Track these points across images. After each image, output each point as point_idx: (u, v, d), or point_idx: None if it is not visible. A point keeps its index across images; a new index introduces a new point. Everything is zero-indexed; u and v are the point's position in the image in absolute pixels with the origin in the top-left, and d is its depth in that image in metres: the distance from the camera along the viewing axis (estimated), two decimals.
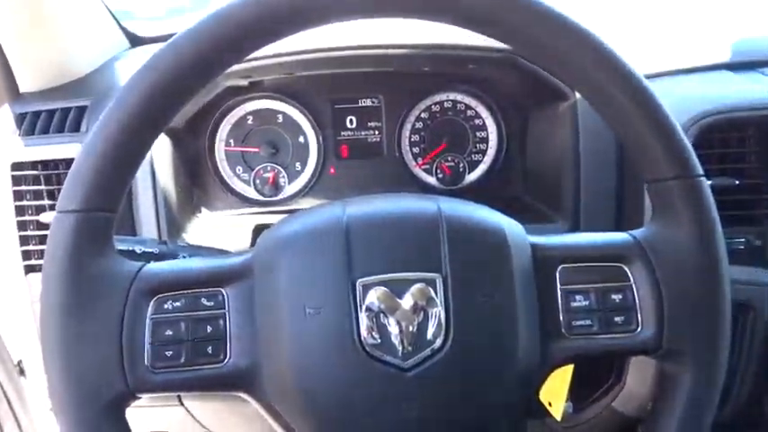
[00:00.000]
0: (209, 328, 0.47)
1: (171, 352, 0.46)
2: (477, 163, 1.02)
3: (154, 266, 0.48)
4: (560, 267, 0.50)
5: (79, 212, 0.44)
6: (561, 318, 0.50)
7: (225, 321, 0.47)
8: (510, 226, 0.51)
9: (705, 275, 0.49)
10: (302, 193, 1.00)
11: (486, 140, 1.01)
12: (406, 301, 0.45)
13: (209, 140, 0.97)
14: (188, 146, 0.95)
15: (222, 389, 0.49)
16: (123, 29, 1.06)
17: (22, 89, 0.90)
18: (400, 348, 0.45)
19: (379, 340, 0.45)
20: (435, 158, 1.01)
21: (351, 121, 1.00)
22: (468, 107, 1.01)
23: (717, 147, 0.80)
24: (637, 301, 0.49)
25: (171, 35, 0.45)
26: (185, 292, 0.47)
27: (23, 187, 0.82)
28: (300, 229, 0.49)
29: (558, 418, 0.68)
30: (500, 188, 1.01)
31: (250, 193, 0.99)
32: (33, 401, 0.95)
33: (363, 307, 0.45)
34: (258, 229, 0.88)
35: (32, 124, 0.84)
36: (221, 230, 0.91)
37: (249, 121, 0.98)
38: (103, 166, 0.44)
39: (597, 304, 0.50)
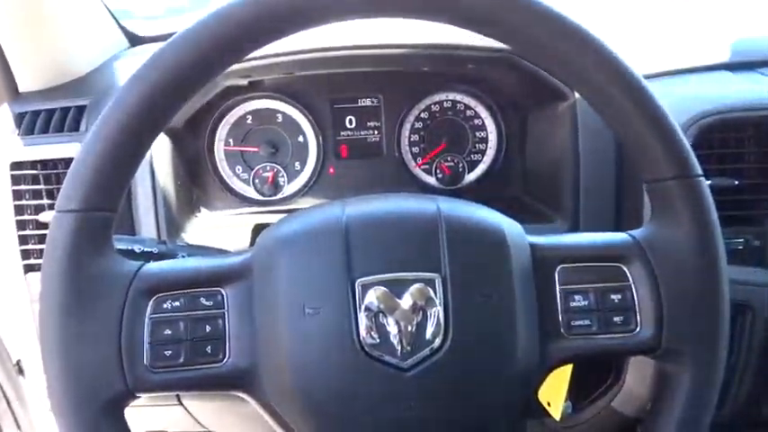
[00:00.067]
0: (208, 328, 0.47)
1: (170, 351, 0.46)
2: (477, 163, 1.02)
3: (153, 266, 0.48)
4: (559, 267, 0.50)
5: (78, 212, 0.44)
6: (560, 318, 0.50)
7: (224, 321, 0.47)
8: (509, 226, 0.51)
9: (704, 275, 0.49)
10: (301, 192, 1.00)
11: (485, 140, 1.01)
12: (406, 301, 0.45)
13: (209, 140, 0.97)
14: (187, 145, 0.94)
15: (221, 388, 0.49)
16: (122, 28, 1.06)
17: (21, 88, 0.90)
18: (399, 348, 0.45)
19: (378, 340, 0.45)
20: (435, 158, 1.01)
21: (350, 120, 0.99)
22: (467, 107, 1.01)
23: (716, 147, 0.80)
24: (636, 302, 0.49)
25: (170, 34, 0.45)
26: (184, 291, 0.47)
27: (23, 186, 0.82)
28: (300, 228, 0.49)
29: (557, 417, 0.68)
30: (499, 188, 1.01)
31: (249, 192, 0.99)
32: (32, 401, 0.95)
33: (362, 307, 0.45)
34: (257, 229, 0.88)
35: (32, 124, 0.84)
36: (220, 230, 0.91)
37: (248, 121, 0.98)
38: (103, 166, 0.44)
39: (596, 304, 0.50)
